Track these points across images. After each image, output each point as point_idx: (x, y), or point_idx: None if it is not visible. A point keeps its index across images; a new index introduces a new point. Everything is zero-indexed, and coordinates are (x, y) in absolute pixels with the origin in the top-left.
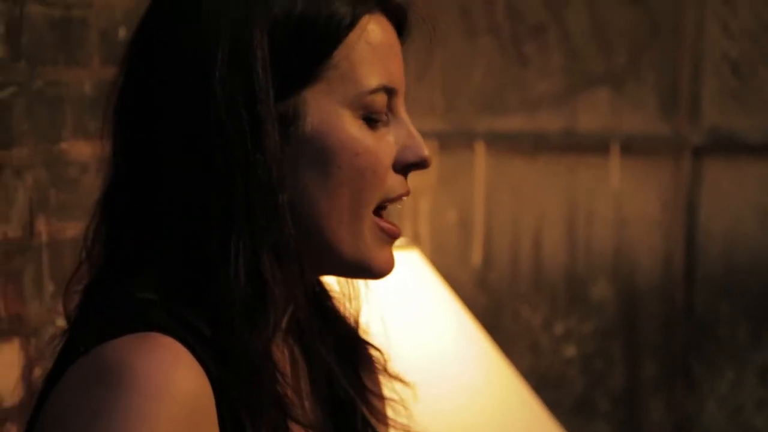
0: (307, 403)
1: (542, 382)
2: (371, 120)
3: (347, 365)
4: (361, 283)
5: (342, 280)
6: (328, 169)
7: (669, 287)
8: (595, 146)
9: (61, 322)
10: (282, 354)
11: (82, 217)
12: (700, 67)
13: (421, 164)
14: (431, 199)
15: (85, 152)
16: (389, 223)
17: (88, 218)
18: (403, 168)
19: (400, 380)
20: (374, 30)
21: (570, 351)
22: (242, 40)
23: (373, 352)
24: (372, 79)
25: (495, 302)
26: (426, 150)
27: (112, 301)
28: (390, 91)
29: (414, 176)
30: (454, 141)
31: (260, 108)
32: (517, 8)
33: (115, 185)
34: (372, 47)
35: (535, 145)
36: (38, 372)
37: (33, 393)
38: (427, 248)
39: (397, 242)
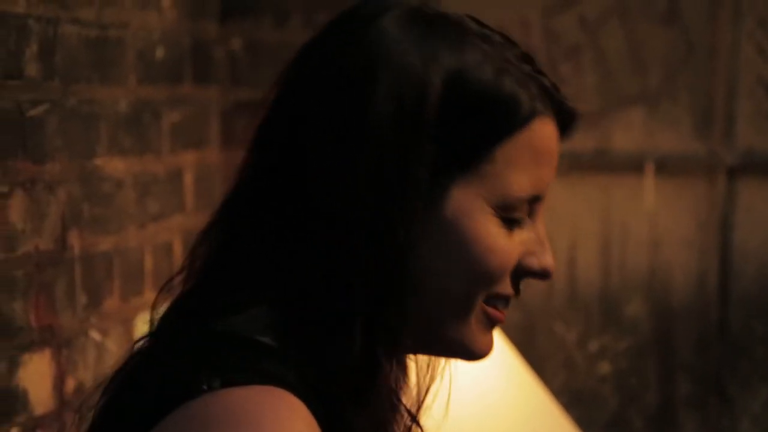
0: None
1: (576, 399)
2: (509, 221)
3: None
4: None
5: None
6: (458, 258)
7: (703, 306)
8: (629, 166)
9: (94, 334)
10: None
11: (115, 232)
12: (734, 87)
13: (542, 275)
14: None
15: (120, 168)
16: (495, 309)
17: (124, 232)
18: (523, 272)
19: None
20: (542, 134)
21: (604, 368)
22: (413, 97)
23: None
24: (523, 186)
25: (529, 320)
26: (551, 261)
27: (230, 339)
28: (535, 200)
29: None
30: None
31: (412, 174)
32: (553, 30)
33: (244, 200)
34: (534, 152)
35: (570, 164)
36: (71, 382)
37: (65, 402)
38: None
39: None
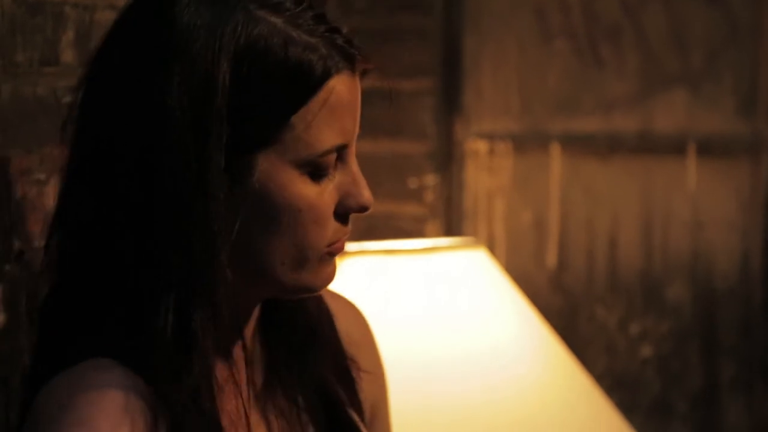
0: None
1: (618, 382)
2: (317, 175)
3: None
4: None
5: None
6: (271, 226)
7: (747, 288)
8: (671, 147)
9: None
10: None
11: None
12: None
13: (361, 211)
14: (506, 201)
15: None
16: (335, 244)
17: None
18: (344, 214)
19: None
20: (338, 91)
21: (646, 351)
22: (203, 85)
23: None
24: (326, 142)
25: (570, 303)
26: (368, 197)
27: (73, 330)
28: (341, 148)
29: (489, 178)
30: (529, 142)
31: (210, 159)
32: (593, 10)
33: (65, 200)
34: (331, 109)
35: (611, 146)
36: None
37: None
38: (502, 250)
39: (464, 241)
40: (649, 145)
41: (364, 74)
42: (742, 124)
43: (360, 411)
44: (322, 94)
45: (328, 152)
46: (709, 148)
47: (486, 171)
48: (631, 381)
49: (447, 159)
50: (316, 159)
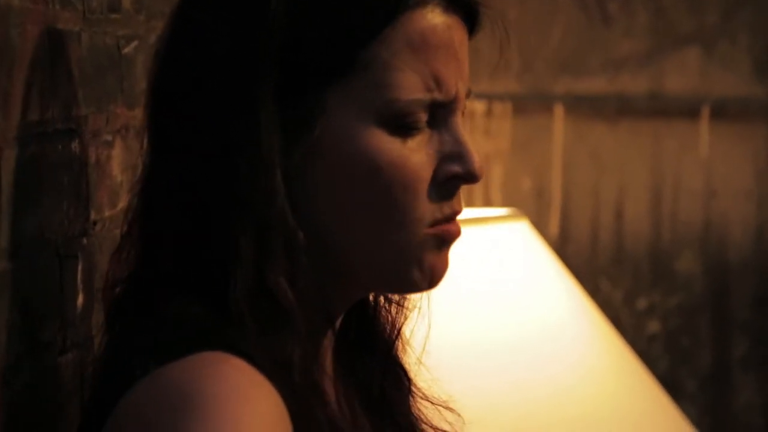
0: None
1: None
2: (402, 128)
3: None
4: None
5: None
6: (346, 186)
7: (762, 261)
8: (683, 110)
9: None
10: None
11: None
12: None
13: (469, 178)
14: (504, 166)
15: None
16: (440, 226)
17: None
18: (446, 182)
19: (444, 406)
20: (422, 27)
21: (653, 327)
22: (254, 15)
23: (402, 376)
24: (410, 89)
25: (573, 276)
26: (477, 163)
27: (157, 316)
28: (437, 106)
29: (486, 141)
30: (530, 104)
31: (262, 105)
32: None
33: (146, 177)
34: (416, 49)
35: (618, 108)
36: None
37: None
38: None
39: (506, 212)
40: (659, 108)
41: (473, 24)
42: (758, 85)
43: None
44: (398, 29)
45: (412, 103)
46: (724, 112)
47: (483, 134)
48: (637, 358)
49: None
50: (396, 108)
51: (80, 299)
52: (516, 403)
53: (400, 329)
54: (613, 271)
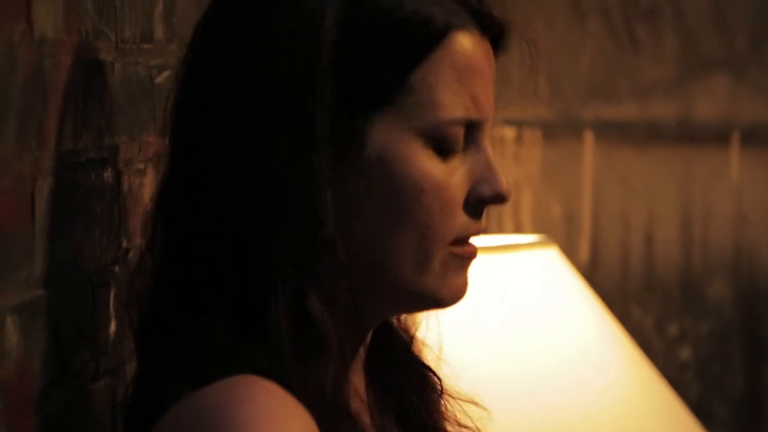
0: None
1: None
2: (443, 150)
3: (415, 393)
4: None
5: None
6: (388, 210)
7: None
8: (712, 136)
9: None
10: (356, 391)
11: None
12: None
13: (498, 200)
14: (534, 192)
15: None
16: (461, 246)
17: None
18: (477, 204)
19: (468, 401)
20: (462, 50)
21: (685, 354)
22: (310, 21)
23: (431, 376)
24: (452, 109)
25: (603, 302)
26: (505, 185)
27: (187, 338)
28: (472, 124)
29: (516, 167)
30: (559, 130)
31: (316, 123)
32: None
33: (167, 191)
34: (457, 72)
35: (648, 134)
36: None
37: None
38: None
39: (536, 238)
40: (688, 134)
41: (499, 45)
42: None
43: None
44: (444, 51)
45: (455, 122)
46: (754, 137)
47: (513, 160)
48: (668, 385)
49: None
50: (441, 128)
51: (112, 326)
52: (546, 429)
53: (414, 334)
54: (643, 297)
